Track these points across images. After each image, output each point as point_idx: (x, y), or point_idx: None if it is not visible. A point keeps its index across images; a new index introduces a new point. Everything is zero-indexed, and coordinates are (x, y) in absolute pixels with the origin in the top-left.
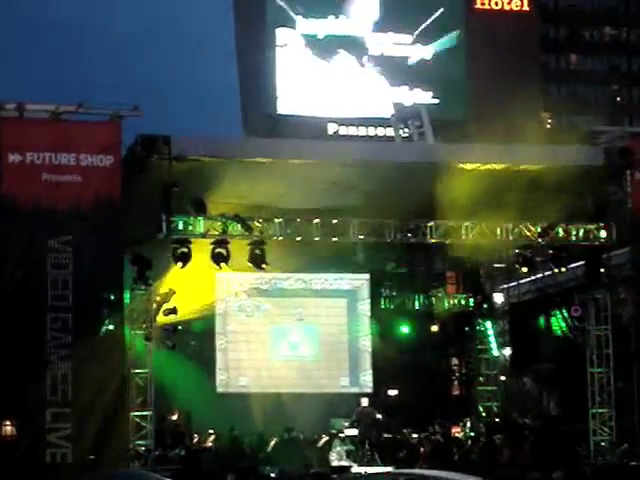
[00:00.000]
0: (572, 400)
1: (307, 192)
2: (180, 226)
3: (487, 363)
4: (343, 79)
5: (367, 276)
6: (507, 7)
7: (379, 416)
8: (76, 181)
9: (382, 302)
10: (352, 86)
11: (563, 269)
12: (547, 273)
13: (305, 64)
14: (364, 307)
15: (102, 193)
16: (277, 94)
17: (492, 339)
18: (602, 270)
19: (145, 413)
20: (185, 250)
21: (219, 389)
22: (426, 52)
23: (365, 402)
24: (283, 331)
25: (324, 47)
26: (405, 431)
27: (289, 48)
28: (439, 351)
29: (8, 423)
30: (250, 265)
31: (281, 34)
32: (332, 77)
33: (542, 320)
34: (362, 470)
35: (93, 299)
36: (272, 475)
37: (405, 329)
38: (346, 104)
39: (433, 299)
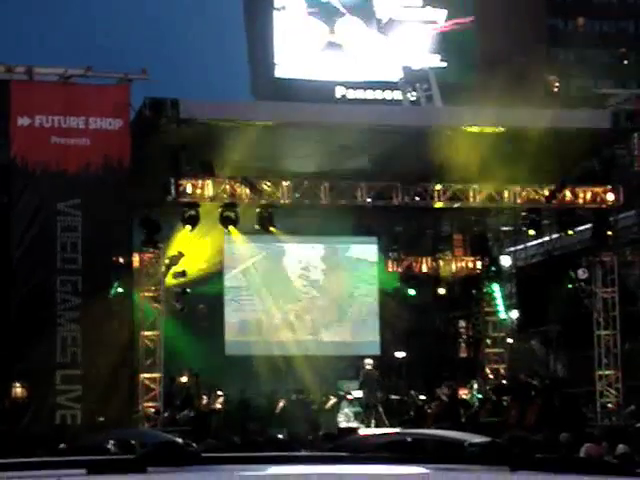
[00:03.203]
0: (579, 362)
1: (315, 155)
2: (189, 189)
3: (494, 326)
4: (349, 42)
5: (375, 239)
6: None
7: (379, 378)
8: (85, 144)
9: (389, 265)
10: (359, 49)
11: (570, 232)
12: (554, 236)
13: (307, 27)
14: (372, 270)
15: (111, 156)
16: (275, 58)
17: (499, 302)
18: (609, 232)
19: (154, 375)
20: (194, 213)
21: (228, 351)
22: (437, 15)
23: (369, 364)
24: (292, 294)
25: (329, 10)
26: (412, 393)
27: (288, 11)
28: (446, 314)
29: (18, 385)
30: (258, 228)
31: None
32: (338, 40)
33: (549, 283)
34: (370, 431)
35: (102, 262)
36: (280, 437)
37: (412, 292)
38: (353, 68)
39: (440, 262)
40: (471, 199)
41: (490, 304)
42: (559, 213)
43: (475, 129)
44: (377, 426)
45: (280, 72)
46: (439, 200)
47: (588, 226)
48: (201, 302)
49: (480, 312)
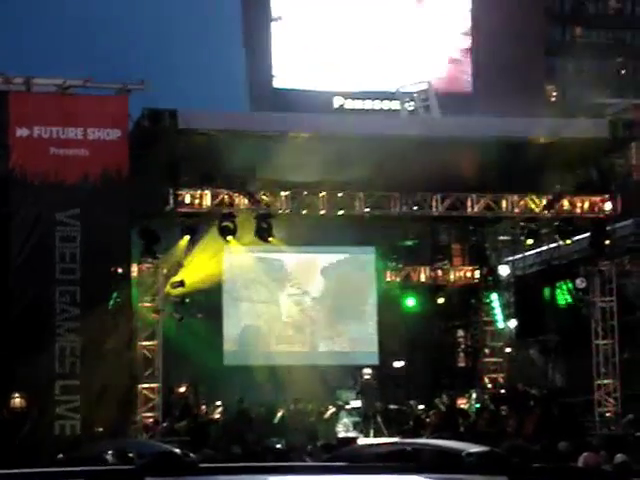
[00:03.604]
0: (577, 371)
1: (313, 165)
2: (187, 199)
3: (493, 335)
4: (347, 53)
5: (373, 249)
6: None
7: (378, 387)
8: (83, 155)
9: (388, 275)
10: (357, 59)
11: (568, 241)
12: (552, 245)
13: (304, 38)
14: (370, 280)
15: (109, 167)
16: (273, 69)
17: (498, 311)
18: (607, 242)
19: (153, 385)
20: (192, 223)
21: (226, 361)
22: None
23: (368, 374)
24: (290, 304)
25: (325, 20)
26: (411, 402)
27: (284, 21)
28: (445, 323)
29: (17, 395)
30: (257, 238)
31: (276, 6)
32: (335, 50)
33: (547, 292)
34: (368, 441)
35: (101, 272)
36: (279, 447)
37: (411, 302)
38: (351, 78)
39: (439, 271)
40: (469, 208)
41: (488, 313)
42: (557, 222)
43: (472, 139)
44: (376, 436)
45: (278, 83)
46: (437, 210)
47: (586, 235)
48: (200, 312)
49: (479, 321)
